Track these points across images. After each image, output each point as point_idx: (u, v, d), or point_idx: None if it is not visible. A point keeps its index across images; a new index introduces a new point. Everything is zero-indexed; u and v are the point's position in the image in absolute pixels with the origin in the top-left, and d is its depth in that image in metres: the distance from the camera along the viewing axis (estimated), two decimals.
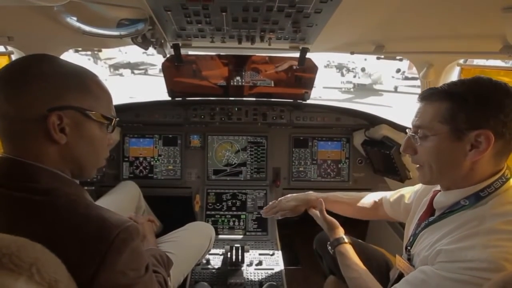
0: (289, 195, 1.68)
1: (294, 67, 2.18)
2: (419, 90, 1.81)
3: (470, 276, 0.82)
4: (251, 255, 1.97)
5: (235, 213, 2.30)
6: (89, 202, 0.81)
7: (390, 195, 1.49)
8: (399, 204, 1.41)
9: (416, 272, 0.96)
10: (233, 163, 2.45)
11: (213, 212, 2.30)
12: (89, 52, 16.86)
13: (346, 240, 1.36)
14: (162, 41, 1.58)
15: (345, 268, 1.28)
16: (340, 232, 1.41)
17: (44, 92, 0.76)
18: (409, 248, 1.11)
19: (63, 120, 0.77)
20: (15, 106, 0.75)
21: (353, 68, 20.36)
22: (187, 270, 1.55)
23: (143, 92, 12.67)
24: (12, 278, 0.52)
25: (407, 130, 1.08)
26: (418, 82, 1.99)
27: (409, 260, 1.09)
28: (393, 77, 19.04)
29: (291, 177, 2.47)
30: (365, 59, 17.88)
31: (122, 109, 2.29)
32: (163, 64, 2.12)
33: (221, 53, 2.17)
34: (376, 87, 19.63)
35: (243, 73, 2.23)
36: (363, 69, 19.21)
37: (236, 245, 1.80)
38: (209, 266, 1.88)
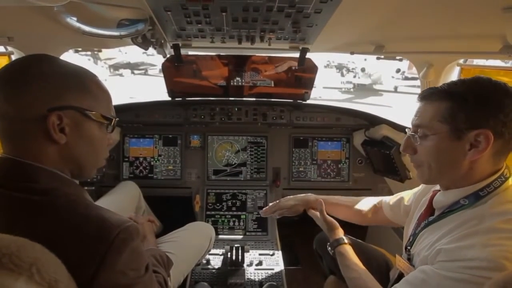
0: (289, 196, 1.68)
1: (294, 67, 2.18)
2: (419, 90, 1.80)
3: (470, 275, 0.82)
4: (251, 255, 1.97)
5: (235, 213, 2.30)
6: (89, 202, 0.81)
7: (389, 199, 1.49)
8: (399, 207, 1.40)
9: (416, 272, 0.96)
10: (233, 163, 2.45)
11: (213, 212, 2.30)
12: (89, 52, 16.88)
13: (346, 241, 1.36)
14: (162, 41, 1.58)
15: (345, 269, 1.29)
16: (340, 232, 1.41)
17: (44, 92, 0.76)
18: (409, 248, 1.11)
19: (63, 120, 0.77)
20: (15, 106, 0.75)
21: (353, 68, 20.34)
22: (187, 270, 1.55)
23: (143, 92, 12.67)
24: (12, 278, 0.52)
25: (406, 130, 1.08)
26: (418, 82, 1.99)
27: (409, 260, 1.09)
28: (393, 77, 19.03)
29: (291, 177, 2.47)
30: (365, 59, 17.88)
31: (122, 109, 2.29)
32: (163, 64, 2.12)
33: (221, 53, 2.17)
34: (376, 87, 19.62)
35: (243, 73, 2.23)
36: (363, 69, 19.20)
37: (236, 245, 1.80)
38: (209, 266, 1.88)
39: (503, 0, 0.83)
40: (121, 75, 21.23)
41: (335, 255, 1.36)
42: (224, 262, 1.89)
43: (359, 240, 1.60)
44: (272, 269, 1.88)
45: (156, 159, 2.41)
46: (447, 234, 0.94)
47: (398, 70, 18.08)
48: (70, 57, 1.59)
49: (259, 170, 2.45)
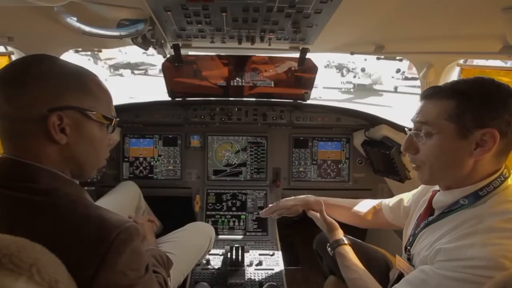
0: (288, 197, 1.68)
1: (294, 68, 2.18)
2: (419, 90, 1.81)
3: (469, 275, 0.82)
4: (251, 255, 1.97)
5: (235, 213, 2.30)
6: (89, 202, 0.81)
7: (389, 201, 1.49)
8: (399, 208, 1.40)
9: (416, 272, 0.96)
10: (233, 163, 2.45)
11: (213, 213, 2.30)
12: (89, 53, 16.87)
13: (346, 241, 1.36)
14: (162, 42, 1.58)
15: (345, 269, 1.28)
16: (340, 233, 1.41)
17: (44, 92, 0.76)
18: (408, 248, 1.11)
19: (63, 120, 0.77)
20: (15, 106, 0.75)
21: (353, 69, 20.32)
22: (187, 270, 1.55)
23: (143, 93, 12.66)
24: (12, 278, 0.52)
25: (406, 130, 1.08)
26: (418, 83, 1.99)
27: (409, 260, 1.09)
28: (393, 77, 19.01)
29: (291, 177, 2.47)
30: (365, 59, 17.85)
31: (122, 109, 2.29)
32: (163, 65, 2.12)
33: (221, 54, 2.17)
34: (376, 87, 19.60)
35: (243, 74, 2.23)
36: (363, 70, 19.18)
37: (236, 245, 1.80)
38: (209, 266, 1.87)
39: (503, 0, 0.83)
40: (121, 75, 21.20)
41: (335, 256, 1.36)
42: (224, 262, 1.89)
43: (359, 241, 1.60)
44: (272, 269, 1.88)
45: (156, 159, 2.41)
46: (446, 234, 0.94)
47: (398, 70, 18.06)
48: (70, 57, 1.59)
49: (259, 170, 2.45)
